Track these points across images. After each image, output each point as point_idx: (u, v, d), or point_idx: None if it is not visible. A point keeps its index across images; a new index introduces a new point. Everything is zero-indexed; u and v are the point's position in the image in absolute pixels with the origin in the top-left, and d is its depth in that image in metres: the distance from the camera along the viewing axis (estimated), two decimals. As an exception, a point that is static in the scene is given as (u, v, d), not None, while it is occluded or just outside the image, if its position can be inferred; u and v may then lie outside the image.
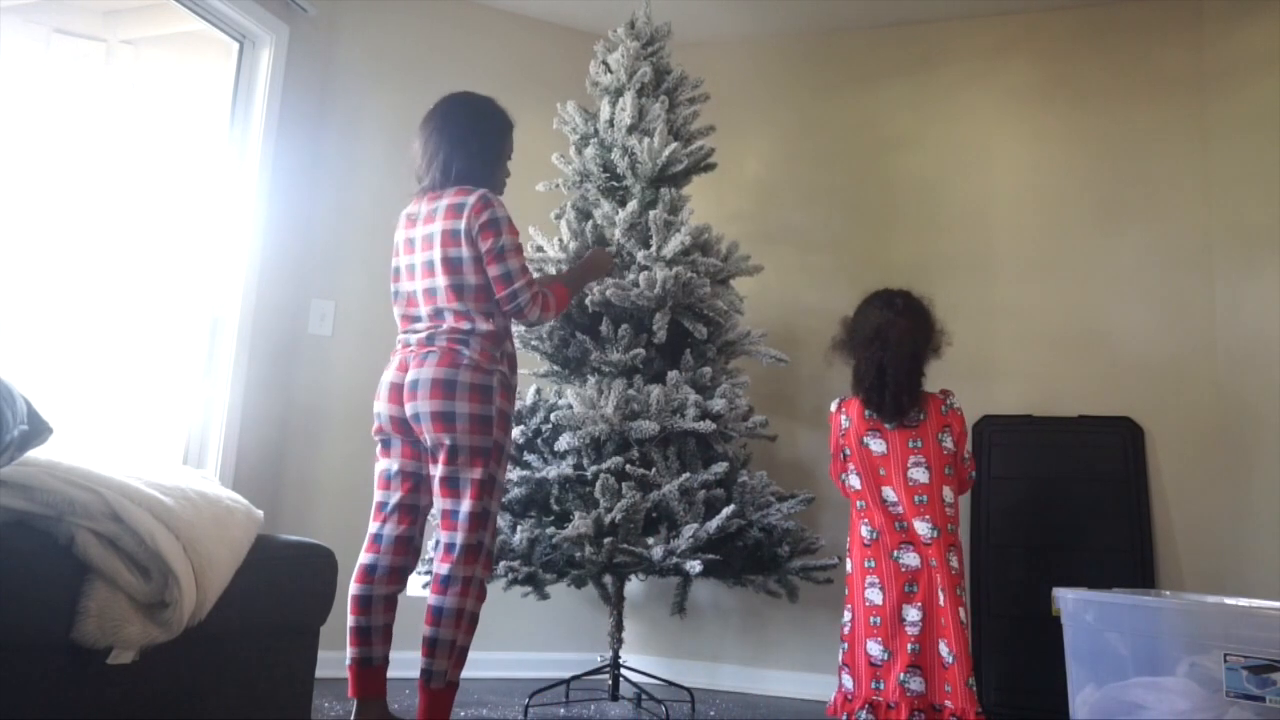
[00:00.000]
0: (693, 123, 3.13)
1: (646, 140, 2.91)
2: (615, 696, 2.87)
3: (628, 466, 2.62)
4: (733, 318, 2.94)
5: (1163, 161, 3.28)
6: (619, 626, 2.86)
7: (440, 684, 2.10)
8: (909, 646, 1.82)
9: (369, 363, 3.35)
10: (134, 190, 3.00)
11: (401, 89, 3.52)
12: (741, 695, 3.18)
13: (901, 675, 1.81)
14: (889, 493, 1.91)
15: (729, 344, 2.95)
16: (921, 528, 1.89)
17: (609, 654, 2.87)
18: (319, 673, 2.03)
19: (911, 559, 1.87)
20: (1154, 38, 3.35)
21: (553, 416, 2.73)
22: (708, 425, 2.65)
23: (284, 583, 1.87)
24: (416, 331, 2.20)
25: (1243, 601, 2.32)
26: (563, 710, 2.81)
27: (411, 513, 2.19)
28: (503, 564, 2.62)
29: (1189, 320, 3.17)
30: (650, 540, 2.57)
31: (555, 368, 2.97)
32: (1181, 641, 2.04)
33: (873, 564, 1.89)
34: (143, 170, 3.03)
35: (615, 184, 3.02)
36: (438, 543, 2.13)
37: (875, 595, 1.87)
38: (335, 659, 2.26)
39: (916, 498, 1.90)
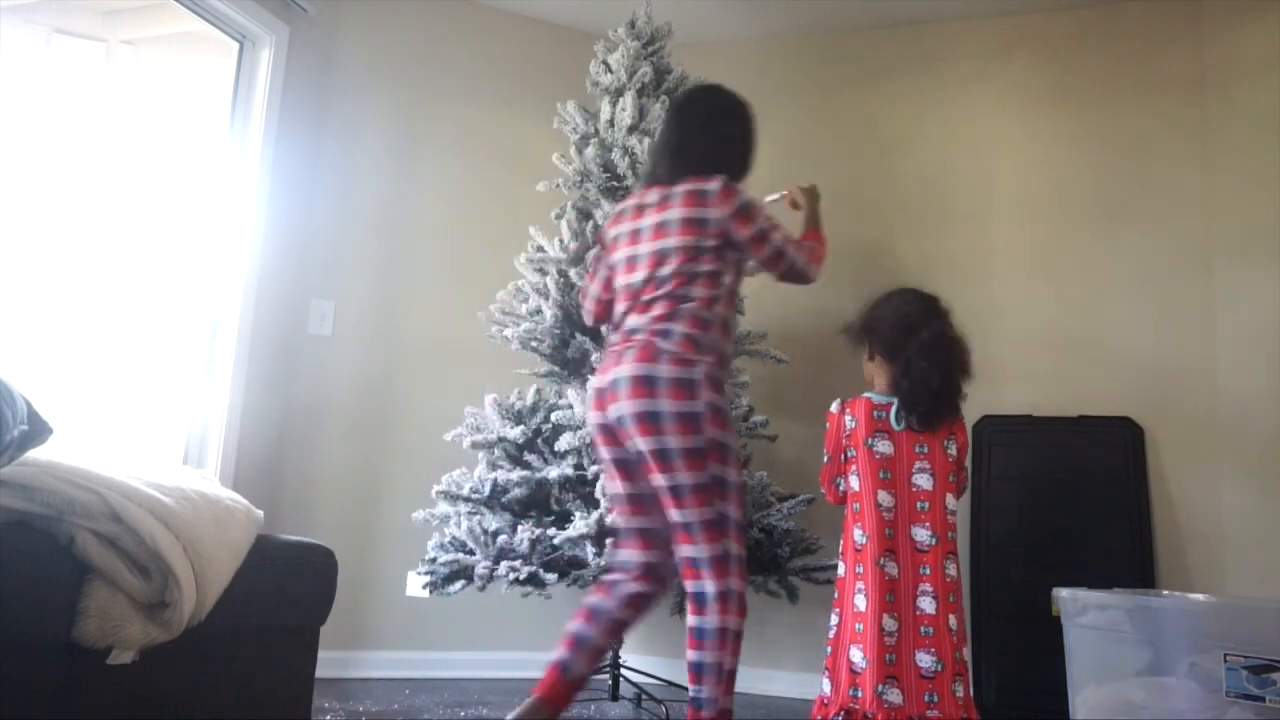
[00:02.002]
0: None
1: (647, 140, 2.91)
2: (615, 696, 2.86)
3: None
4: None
5: (1163, 162, 3.28)
6: (619, 626, 2.86)
7: (712, 712, 1.89)
8: (886, 657, 1.79)
9: (369, 363, 3.36)
10: (134, 190, 3.00)
11: (402, 89, 3.52)
12: (741, 695, 3.17)
13: (879, 686, 1.78)
14: (885, 498, 1.87)
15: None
16: (920, 534, 1.87)
17: (609, 654, 2.86)
18: (319, 673, 2.03)
19: (893, 568, 1.83)
20: (1154, 38, 3.35)
21: (553, 416, 2.73)
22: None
23: (284, 583, 1.87)
24: (626, 328, 1.95)
25: (1243, 601, 2.32)
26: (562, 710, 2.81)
27: (644, 536, 1.91)
28: (504, 564, 2.62)
29: (1189, 320, 3.17)
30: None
31: (555, 368, 2.97)
32: (1181, 641, 2.04)
33: (861, 569, 1.86)
34: (143, 170, 3.03)
35: (616, 184, 3.02)
36: (683, 559, 1.87)
37: (861, 602, 1.84)
38: (335, 659, 2.26)
39: (919, 504, 1.87)
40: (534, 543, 2.61)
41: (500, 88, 3.67)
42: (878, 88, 3.64)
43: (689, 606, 1.81)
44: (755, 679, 3.27)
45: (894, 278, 3.44)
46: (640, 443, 1.80)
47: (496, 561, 2.64)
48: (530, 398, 2.88)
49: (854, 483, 1.90)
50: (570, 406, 2.73)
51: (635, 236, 1.99)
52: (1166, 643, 2.07)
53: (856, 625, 1.83)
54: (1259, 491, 2.97)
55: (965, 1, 3.47)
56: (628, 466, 1.89)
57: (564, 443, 2.70)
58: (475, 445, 2.80)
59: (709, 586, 1.77)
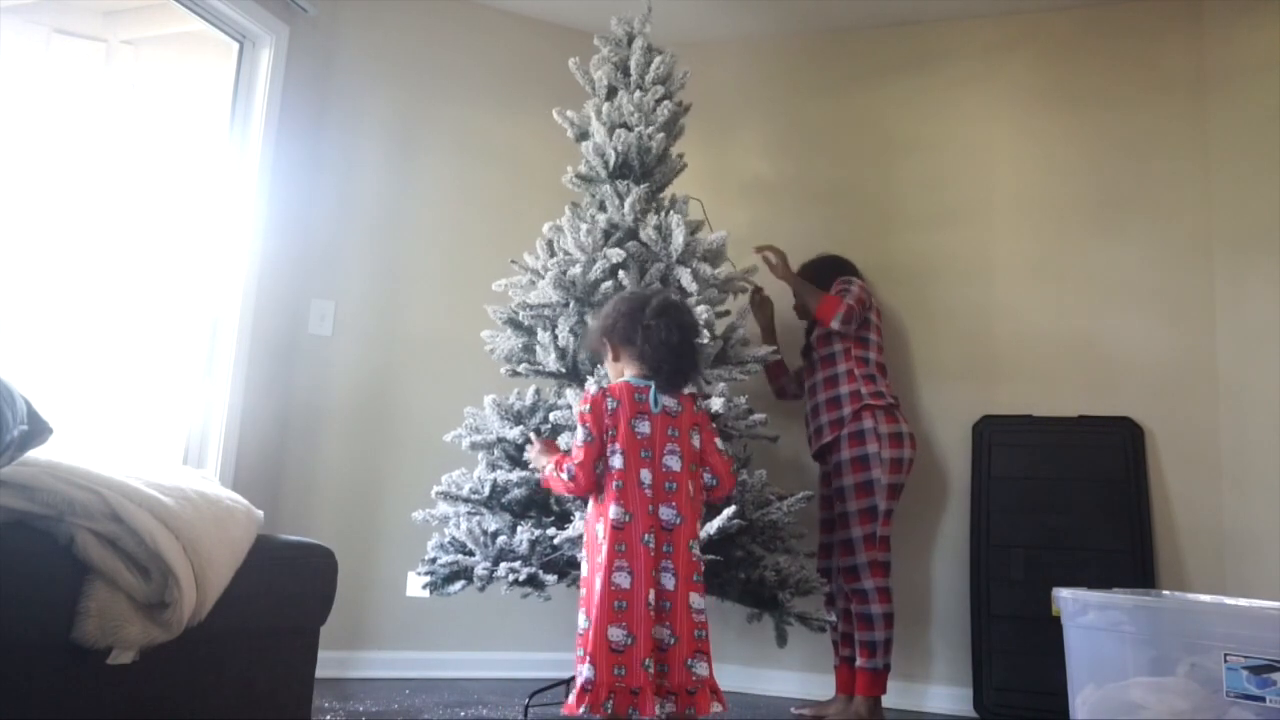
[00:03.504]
0: (678, 123, 3.11)
1: (639, 140, 2.91)
2: (615, 696, 2.86)
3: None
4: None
5: (1163, 162, 3.28)
6: (619, 626, 2.86)
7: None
8: (650, 630, 1.84)
9: (369, 363, 3.36)
10: (134, 190, 3.00)
11: (402, 89, 3.52)
12: (741, 695, 3.18)
13: (646, 660, 1.81)
14: (646, 475, 1.93)
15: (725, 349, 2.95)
16: (667, 513, 1.93)
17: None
18: (319, 673, 2.03)
19: (651, 542, 1.88)
20: (1154, 38, 3.35)
21: (552, 417, 2.73)
22: (707, 425, 2.65)
23: (284, 583, 1.87)
24: None
25: (1243, 601, 2.32)
26: (563, 710, 2.81)
27: None
28: (503, 565, 2.61)
29: (1189, 320, 3.17)
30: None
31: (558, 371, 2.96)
32: (1181, 641, 2.04)
33: (624, 547, 1.87)
34: (143, 170, 3.03)
35: (611, 184, 3.01)
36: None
37: (625, 579, 1.85)
38: (335, 659, 2.26)
39: (667, 484, 1.94)
40: (533, 543, 2.61)
41: (500, 88, 3.67)
42: (877, 88, 3.64)
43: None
44: (755, 679, 3.27)
45: (894, 277, 3.47)
46: None
47: (496, 562, 2.64)
48: (529, 398, 2.88)
49: (616, 461, 1.94)
50: (569, 407, 2.73)
51: None
52: (1166, 643, 2.07)
53: (617, 603, 1.83)
54: (1259, 491, 2.97)
55: (965, 1, 3.47)
56: None
57: (563, 443, 2.69)
58: (475, 446, 2.80)
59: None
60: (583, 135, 3.09)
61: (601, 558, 1.88)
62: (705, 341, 2.66)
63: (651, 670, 1.81)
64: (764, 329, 3.32)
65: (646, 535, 1.89)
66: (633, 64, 3.06)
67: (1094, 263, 3.29)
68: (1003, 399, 3.29)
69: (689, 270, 2.85)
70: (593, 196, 3.05)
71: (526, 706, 2.73)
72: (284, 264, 3.20)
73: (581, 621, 1.91)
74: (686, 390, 2.10)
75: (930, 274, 3.45)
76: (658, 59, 3.06)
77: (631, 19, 3.15)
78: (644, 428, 1.98)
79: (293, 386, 3.24)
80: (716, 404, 2.68)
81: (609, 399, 1.99)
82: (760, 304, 3.29)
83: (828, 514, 3.08)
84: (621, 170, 2.98)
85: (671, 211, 2.93)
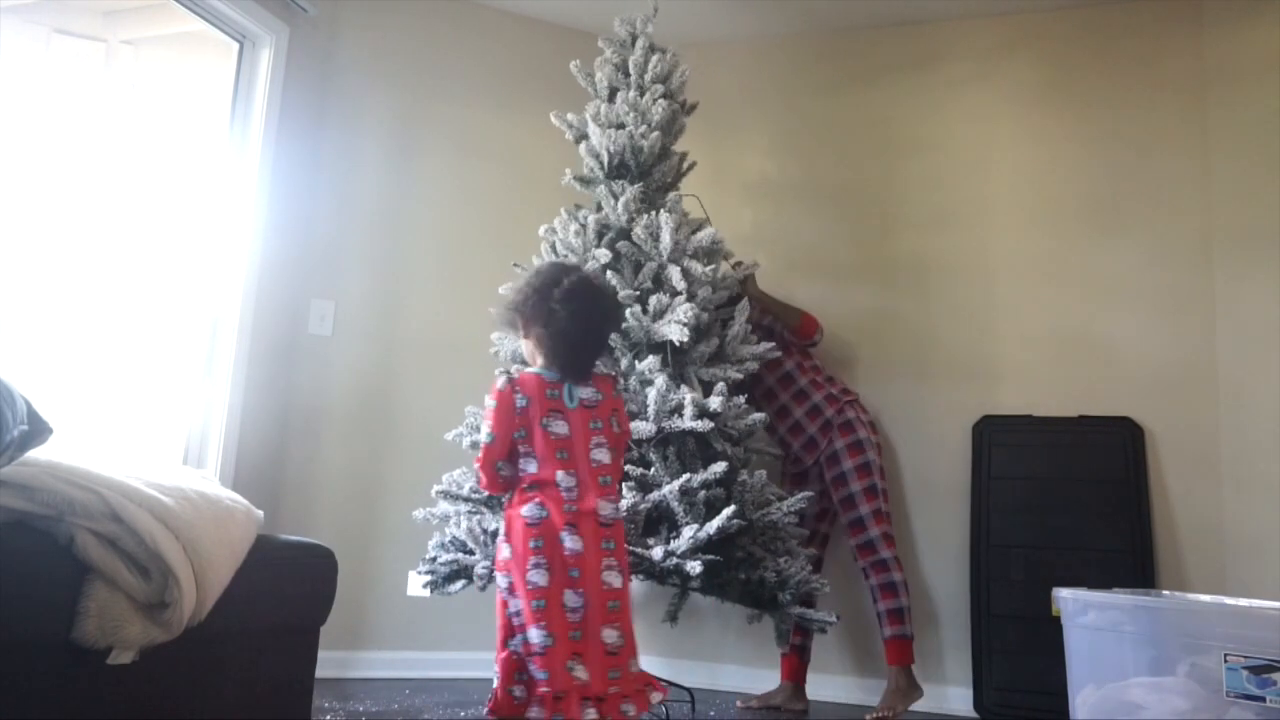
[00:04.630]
0: (678, 122, 3.11)
1: (630, 139, 2.91)
2: (615, 696, 2.86)
3: (626, 467, 2.62)
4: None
5: (1163, 162, 3.28)
6: (619, 626, 2.86)
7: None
8: (571, 634, 1.69)
9: (369, 363, 3.36)
10: (134, 190, 3.01)
11: (402, 89, 3.52)
12: (742, 695, 3.18)
13: (568, 663, 1.66)
14: (564, 478, 1.77)
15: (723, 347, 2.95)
16: (606, 509, 1.78)
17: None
18: (319, 673, 2.03)
19: (576, 543, 1.73)
20: (1154, 39, 3.35)
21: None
22: (705, 424, 2.64)
23: (284, 583, 1.87)
24: None
25: (1243, 601, 2.32)
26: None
27: None
28: (503, 564, 2.61)
29: (1189, 320, 3.17)
30: (650, 541, 2.57)
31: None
32: (1181, 641, 2.04)
33: (539, 544, 1.73)
34: (143, 170, 3.03)
35: (607, 185, 3.02)
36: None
37: (540, 578, 1.70)
38: (335, 659, 2.26)
39: (601, 478, 1.80)
40: (534, 543, 2.61)
41: (500, 88, 3.67)
42: (877, 88, 3.64)
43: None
44: (755, 679, 3.27)
45: (894, 277, 3.47)
46: None
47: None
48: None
49: (529, 466, 1.79)
50: (570, 406, 2.72)
51: None
52: (1166, 643, 2.07)
53: (536, 602, 1.69)
54: (1259, 491, 2.97)
55: (965, 1, 3.47)
56: None
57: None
58: (475, 445, 2.80)
59: None
60: (582, 137, 3.09)
61: (515, 556, 1.75)
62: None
63: (585, 676, 1.67)
64: (779, 308, 3.25)
65: (571, 535, 1.74)
66: (632, 64, 3.06)
67: (1094, 262, 3.29)
68: (1003, 399, 3.29)
69: (679, 269, 2.84)
70: (594, 197, 3.06)
71: (526, 706, 2.72)
72: (284, 264, 3.20)
73: (514, 605, 1.76)
74: (601, 373, 1.94)
75: (930, 274, 3.45)
76: (655, 57, 3.05)
77: (634, 19, 3.15)
78: (560, 428, 1.81)
79: (293, 386, 3.24)
80: (715, 403, 2.68)
81: (518, 395, 1.81)
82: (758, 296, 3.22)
83: (822, 505, 3.14)
84: (618, 170, 2.98)
85: (662, 210, 2.91)
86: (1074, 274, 3.31)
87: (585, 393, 1.85)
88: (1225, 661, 1.94)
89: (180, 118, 3.16)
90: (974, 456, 3.26)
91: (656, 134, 2.96)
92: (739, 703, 3.06)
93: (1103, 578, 2.90)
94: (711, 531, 2.51)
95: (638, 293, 2.84)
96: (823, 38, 3.74)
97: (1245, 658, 1.91)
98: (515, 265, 2.98)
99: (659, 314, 2.76)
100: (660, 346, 2.80)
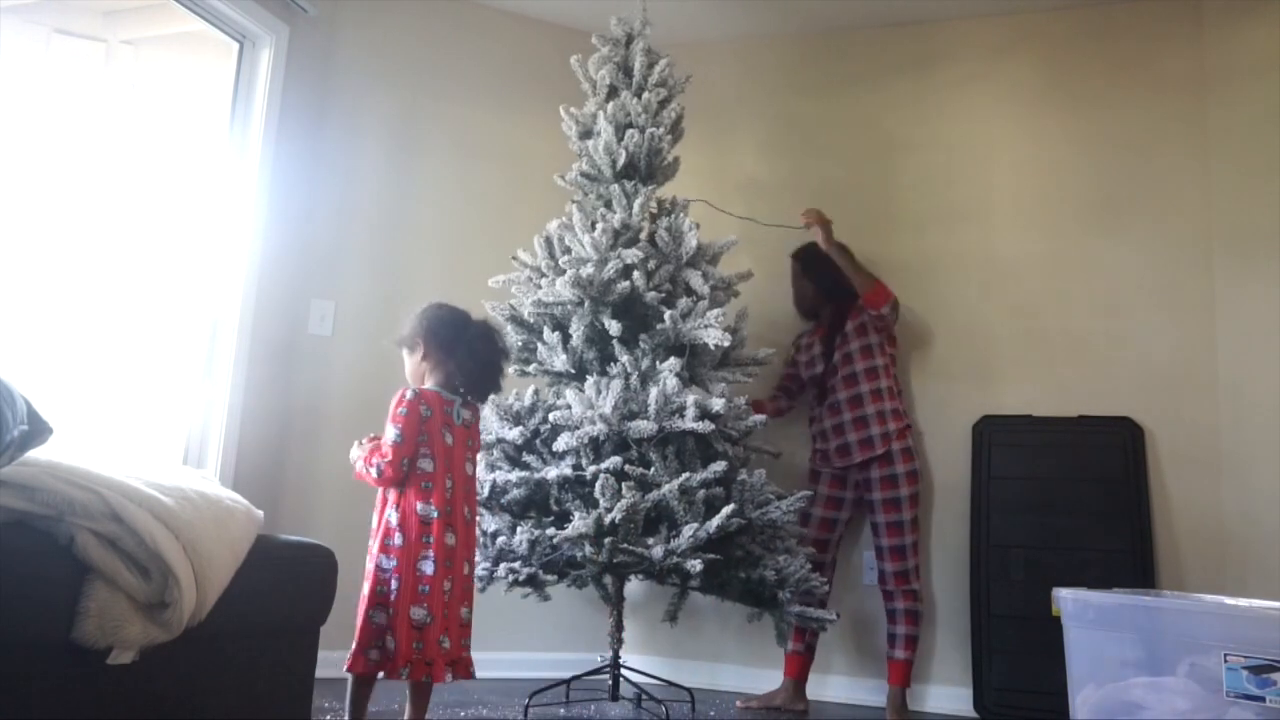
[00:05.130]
0: (671, 120, 3.11)
1: (650, 141, 2.91)
2: (615, 697, 2.86)
3: (626, 466, 2.62)
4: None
5: (1163, 162, 3.28)
6: (619, 627, 2.86)
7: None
8: (443, 612, 2.14)
9: (369, 363, 3.35)
10: (134, 190, 3.01)
11: (401, 89, 3.52)
12: (741, 695, 3.18)
13: (441, 637, 2.12)
14: (449, 481, 2.22)
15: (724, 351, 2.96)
16: (468, 512, 2.24)
17: (609, 654, 2.86)
18: (319, 673, 2.03)
19: (452, 539, 2.19)
20: (1154, 38, 3.35)
21: (551, 417, 2.73)
22: (706, 425, 2.65)
23: (284, 583, 1.87)
24: None
25: (1243, 601, 2.32)
26: (563, 710, 2.81)
27: None
28: (503, 565, 2.62)
29: (1189, 320, 3.17)
30: (650, 540, 2.57)
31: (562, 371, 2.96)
32: (1181, 641, 2.04)
33: (430, 539, 2.15)
34: (143, 170, 3.03)
35: (620, 184, 3.02)
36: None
37: (429, 567, 2.14)
38: (335, 659, 2.26)
39: (466, 487, 2.26)
40: (533, 544, 2.61)
41: (500, 88, 3.67)
42: (877, 88, 3.64)
43: None
44: (755, 679, 3.27)
45: (894, 277, 3.47)
46: None
47: (496, 563, 2.64)
48: (528, 399, 2.88)
49: (427, 465, 2.20)
50: (569, 407, 2.73)
51: None
52: (1166, 643, 2.07)
53: (422, 587, 2.12)
54: (1259, 491, 2.97)
55: (965, 1, 3.47)
56: None
57: (562, 443, 2.70)
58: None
59: None
60: (586, 134, 3.09)
61: (407, 545, 2.14)
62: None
63: (448, 645, 2.14)
64: (852, 269, 3.13)
65: (449, 533, 2.17)
66: (636, 66, 3.06)
67: (1094, 263, 3.29)
68: (1003, 399, 3.29)
69: (699, 273, 2.86)
70: (598, 196, 3.05)
71: (526, 706, 2.73)
72: (284, 264, 3.20)
73: (395, 585, 2.13)
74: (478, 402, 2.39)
75: (930, 274, 3.45)
76: (662, 62, 3.07)
77: (632, 20, 3.16)
78: (449, 438, 2.24)
79: (293, 386, 3.24)
80: (717, 404, 2.69)
81: (423, 406, 2.22)
82: (832, 249, 3.13)
83: (834, 514, 3.15)
84: (627, 171, 2.99)
85: (682, 214, 2.95)
86: (1074, 274, 3.31)
87: (466, 414, 2.31)
88: (1225, 661, 1.94)
89: (180, 118, 3.16)
90: (974, 456, 3.26)
91: (669, 136, 2.98)
92: (739, 703, 3.06)
93: (1103, 578, 2.90)
94: (711, 530, 2.52)
95: (663, 295, 2.84)
96: (819, 37, 3.74)
97: (1245, 658, 1.91)
98: (514, 258, 2.99)
99: (683, 316, 2.79)
100: (682, 349, 2.81)
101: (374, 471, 2.19)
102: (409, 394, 2.23)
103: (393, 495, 2.21)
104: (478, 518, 2.42)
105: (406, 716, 2.21)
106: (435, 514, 2.17)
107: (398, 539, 2.15)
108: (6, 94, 2.78)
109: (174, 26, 3.12)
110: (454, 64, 3.61)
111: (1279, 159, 3.06)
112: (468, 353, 2.29)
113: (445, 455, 2.22)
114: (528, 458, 2.80)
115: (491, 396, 2.83)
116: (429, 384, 2.30)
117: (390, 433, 2.19)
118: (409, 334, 2.37)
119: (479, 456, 2.44)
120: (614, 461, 2.63)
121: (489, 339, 2.36)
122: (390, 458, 2.16)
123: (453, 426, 2.26)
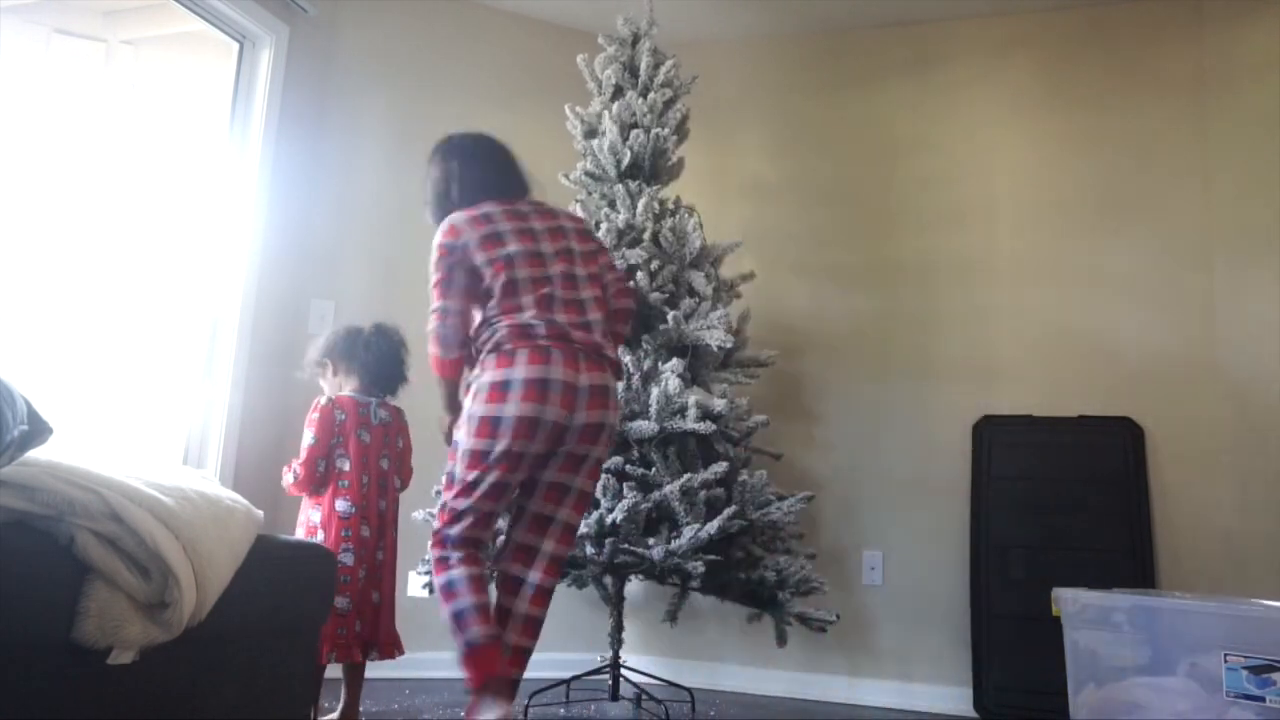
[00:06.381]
0: (676, 121, 3.11)
1: (655, 141, 2.91)
2: (615, 696, 2.87)
3: (628, 467, 2.62)
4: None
5: (1163, 162, 3.28)
6: (619, 627, 2.86)
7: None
8: (358, 597, 2.30)
9: (369, 363, 3.35)
10: (134, 190, 3.01)
11: (401, 89, 3.52)
12: (741, 695, 3.18)
13: (356, 622, 2.28)
14: (365, 478, 2.36)
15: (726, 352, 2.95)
16: (383, 505, 2.39)
17: (609, 654, 2.87)
18: (313, 672, 2.02)
19: (367, 531, 2.33)
20: (1154, 39, 3.35)
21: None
22: (708, 426, 2.65)
23: (284, 583, 1.87)
24: (575, 326, 2.05)
25: (1243, 602, 2.32)
26: (563, 710, 2.81)
27: (493, 520, 2.10)
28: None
29: (1189, 320, 3.17)
30: (651, 541, 2.57)
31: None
32: (1181, 641, 2.04)
33: (349, 533, 2.30)
34: (143, 170, 3.03)
35: (624, 184, 3.02)
36: (539, 552, 2.14)
37: (349, 558, 2.29)
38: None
39: (382, 482, 2.41)
40: (534, 543, 2.60)
41: (500, 88, 3.67)
42: (878, 88, 3.64)
43: (531, 595, 2.20)
44: (755, 679, 3.27)
45: (894, 277, 3.47)
46: (587, 450, 2.06)
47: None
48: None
49: (344, 464, 2.35)
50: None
51: (529, 236, 2.15)
52: (1166, 643, 2.07)
53: (343, 578, 2.26)
54: (1259, 491, 2.97)
55: (965, 2, 3.48)
56: (532, 460, 2.02)
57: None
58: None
59: (548, 582, 2.20)
60: (591, 133, 3.09)
61: (330, 541, 2.29)
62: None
63: (360, 627, 2.28)
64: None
65: (364, 526, 2.34)
66: (642, 66, 3.06)
67: (1094, 263, 3.29)
68: (1003, 399, 3.29)
69: (702, 274, 2.86)
70: (602, 196, 3.06)
71: (526, 706, 2.73)
72: (284, 264, 3.20)
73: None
74: (394, 401, 2.53)
75: (930, 274, 3.45)
76: (669, 63, 3.07)
77: (638, 20, 3.16)
78: (366, 437, 2.40)
79: (293, 386, 3.23)
80: (719, 405, 2.69)
81: (337, 411, 2.38)
82: None
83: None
84: (631, 171, 2.99)
85: (686, 215, 2.95)
86: (1074, 274, 3.31)
87: (384, 414, 2.47)
88: (1225, 661, 1.94)
89: (180, 118, 3.16)
90: (974, 456, 3.26)
91: (674, 137, 2.98)
92: None
93: (1103, 578, 2.90)
94: (712, 531, 2.52)
95: (666, 295, 2.84)
96: (821, 38, 3.74)
97: (1245, 658, 1.91)
98: None
99: (686, 316, 2.78)
100: (685, 349, 2.81)
101: (290, 476, 2.35)
102: (323, 400, 2.41)
103: (308, 497, 2.38)
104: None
105: (343, 700, 2.35)
106: (353, 510, 2.34)
107: (320, 536, 2.32)
108: (7, 94, 2.78)
109: (174, 26, 3.12)
110: (454, 64, 3.61)
111: (1279, 159, 3.06)
112: (367, 353, 2.48)
113: (361, 454, 2.38)
114: (528, 458, 2.80)
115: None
116: (345, 391, 2.48)
117: (305, 437, 2.37)
118: (314, 359, 2.55)
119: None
120: (615, 462, 2.63)
121: (385, 335, 2.54)
122: (305, 458, 2.34)
123: (370, 426, 2.43)
